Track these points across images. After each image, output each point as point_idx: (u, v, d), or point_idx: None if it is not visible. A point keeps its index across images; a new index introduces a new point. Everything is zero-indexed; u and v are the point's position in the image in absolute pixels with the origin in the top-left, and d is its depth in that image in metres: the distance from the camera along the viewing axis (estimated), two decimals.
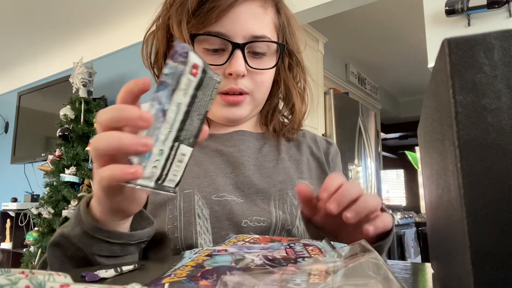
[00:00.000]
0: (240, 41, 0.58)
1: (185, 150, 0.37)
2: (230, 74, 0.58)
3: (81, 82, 2.86)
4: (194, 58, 0.35)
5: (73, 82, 2.89)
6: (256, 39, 0.59)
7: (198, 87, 0.36)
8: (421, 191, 3.94)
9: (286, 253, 0.34)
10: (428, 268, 0.37)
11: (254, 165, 0.63)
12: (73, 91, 2.89)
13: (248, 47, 0.59)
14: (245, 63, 0.59)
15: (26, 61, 4.01)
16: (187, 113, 0.36)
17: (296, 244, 0.37)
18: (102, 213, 0.41)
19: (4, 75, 4.35)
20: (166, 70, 0.33)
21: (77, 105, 2.80)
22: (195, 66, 0.35)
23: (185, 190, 0.57)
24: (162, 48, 0.64)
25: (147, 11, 3.44)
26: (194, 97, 0.36)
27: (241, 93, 0.61)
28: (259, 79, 0.62)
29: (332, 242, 0.37)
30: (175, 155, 0.36)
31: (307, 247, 0.36)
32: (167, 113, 0.34)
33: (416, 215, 4.42)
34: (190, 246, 0.54)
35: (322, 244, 0.37)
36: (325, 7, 2.36)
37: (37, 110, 3.72)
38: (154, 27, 0.65)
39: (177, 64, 0.34)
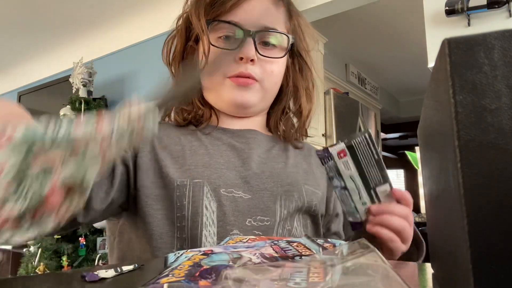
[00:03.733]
0: (251, 29, 0.61)
1: (384, 187, 0.51)
2: (241, 59, 0.61)
3: (81, 82, 2.86)
4: (334, 150, 0.50)
5: (73, 82, 2.89)
6: (267, 29, 0.62)
7: (355, 157, 0.49)
8: (421, 191, 3.93)
9: (273, 250, 0.34)
10: (428, 268, 0.37)
11: (264, 163, 0.64)
12: (73, 91, 2.89)
13: (259, 36, 0.62)
14: (255, 50, 0.61)
15: (26, 61, 4.01)
16: (361, 174, 0.50)
17: (280, 241, 0.38)
18: None
19: (4, 75, 4.35)
20: (329, 173, 0.51)
21: (77, 105, 2.80)
22: (339, 153, 0.50)
23: (195, 179, 0.58)
24: (180, 44, 0.67)
25: (147, 11, 3.41)
26: (358, 163, 0.49)
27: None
28: (268, 68, 0.64)
29: (314, 238, 0.38)
30: (377, 196, 0.51)
31: (291, 243, 0.36)
32: (347, 186, 0.51)
33: (416, 215, 4.41)
34: (195, 236, 0.55)
35: (304, 240, 0.38)
36: (325, 7, 2.36)
37: (37, 110, 3.71)
38: (174, 32, 0.69)
39: (328, 163, 0.50)
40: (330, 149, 0.50)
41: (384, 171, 0.50)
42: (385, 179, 0.50)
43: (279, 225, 0.59)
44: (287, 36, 0.65)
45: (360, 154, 0.49)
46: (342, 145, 0.50)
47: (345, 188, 0.52)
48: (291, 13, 0.68)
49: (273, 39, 0.63)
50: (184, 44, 0.67)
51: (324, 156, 0.51)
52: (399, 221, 0.50)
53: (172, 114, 0.70)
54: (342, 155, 0.50)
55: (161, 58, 0.70)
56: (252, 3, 0.62)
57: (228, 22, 0.61)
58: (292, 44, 0.66)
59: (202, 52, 0.62)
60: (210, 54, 0.61)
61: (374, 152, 0.49)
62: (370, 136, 0.49)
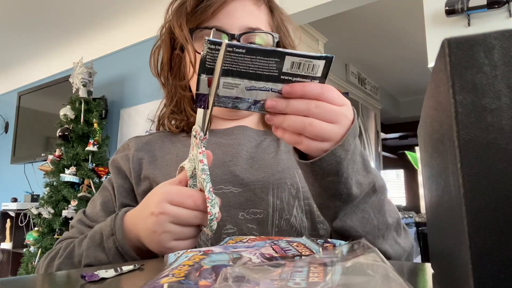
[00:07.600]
0: (236, 32, 0.61)
1: (287, 63, 0.41)
2: None
3: (81, 82, 2.86)
4: (203, 89, 0.42)
5: (73, 82, 2.89)
6: (251, 30, 0.62)
7: (222, 72, 0.39)
8: (421, 191, 3.92)
9: (273, 250, 0.34)
10: (428, 268, 0.37)
11: (253, 157, 0.64)
12: (73, 91, 2.88)
13: (244, 38, 0.62)
14: None
15: (26, 61, 4.01)
16: (253, 76, 0.41)
17: (280, 241, 0.38)
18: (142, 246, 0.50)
19: (4, 75, 4.35)
20: (227, 106, 0.43)
21: (77, 105, 2.80)
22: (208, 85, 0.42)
23: None
24: (166, 55, 0.68)
25: (147, 11, 3.42)
26: (234, 74, 0.40)
27: None
28: None
29: (313, 238, 0.38)
30: (293, 75, 0.42)
31: (291, 243, 0.36)
32: (256, 98, 0.43)
33: (416, 215, 4.41)
34: None
35: (304, 240, 0.38)
36: (325, 7, 2.36)
37: (37, 110, 3.71)
38: (159, 42, 0.69)
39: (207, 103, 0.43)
40: (198, 93, 0.41)
41: (267, 50, 0.39)
42: (280, 55, 0.39)
43: (274, 215, 0.58)
44: (272, 35, 0.65)
45: (217, 63, 0.39)
46: (203, 78, 0.40)
47: (256, 101, 0.42)
48: (272, 9, 0.68)
49: (258, 39, 0.63)
50: (170, 54, 0.68)
51: (201, 102, 0.42)
52: (295, 119, 0.41)
53: (166, 122, 0.71)
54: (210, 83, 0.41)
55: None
56: (233, 6, 0.62)
57: (212, 28, 0.61)
58: (277, 42, 0.66)
59: (189, 61, 0.62)
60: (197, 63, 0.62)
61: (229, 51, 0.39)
62: (208, 42, 0.38)
